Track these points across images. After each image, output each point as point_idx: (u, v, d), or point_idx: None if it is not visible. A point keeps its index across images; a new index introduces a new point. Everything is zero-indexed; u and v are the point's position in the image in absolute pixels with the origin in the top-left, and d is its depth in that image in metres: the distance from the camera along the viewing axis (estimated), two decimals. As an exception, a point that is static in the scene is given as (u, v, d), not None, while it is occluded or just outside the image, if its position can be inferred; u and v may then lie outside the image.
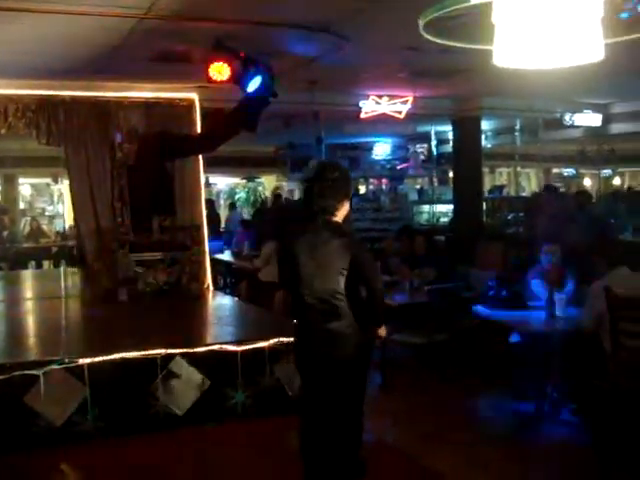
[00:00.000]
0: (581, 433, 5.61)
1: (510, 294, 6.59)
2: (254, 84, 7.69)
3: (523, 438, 5.73)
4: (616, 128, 13.82)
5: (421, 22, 1.96)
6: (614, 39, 1.97)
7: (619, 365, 4.68)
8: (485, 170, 15.46)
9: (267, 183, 23.93)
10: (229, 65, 7.48)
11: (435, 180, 17.77)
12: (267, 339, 6.20)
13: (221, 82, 7.54)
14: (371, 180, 21.31)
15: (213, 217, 14.20)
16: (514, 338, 6.65)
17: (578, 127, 13.67)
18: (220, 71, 7.44)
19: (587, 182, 21.22)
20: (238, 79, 7.65)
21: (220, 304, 8.99)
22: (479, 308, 6.63)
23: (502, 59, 1.95)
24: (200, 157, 9.71)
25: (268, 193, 23.73)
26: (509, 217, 15.50)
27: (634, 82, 10.60)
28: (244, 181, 23.44)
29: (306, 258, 4.22)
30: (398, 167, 17.89)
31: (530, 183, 23.16)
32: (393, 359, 7.26)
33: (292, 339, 4.57)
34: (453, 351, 7.36)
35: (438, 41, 2.03)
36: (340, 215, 4.26)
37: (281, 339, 6.23)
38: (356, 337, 4.16)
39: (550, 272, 6.56)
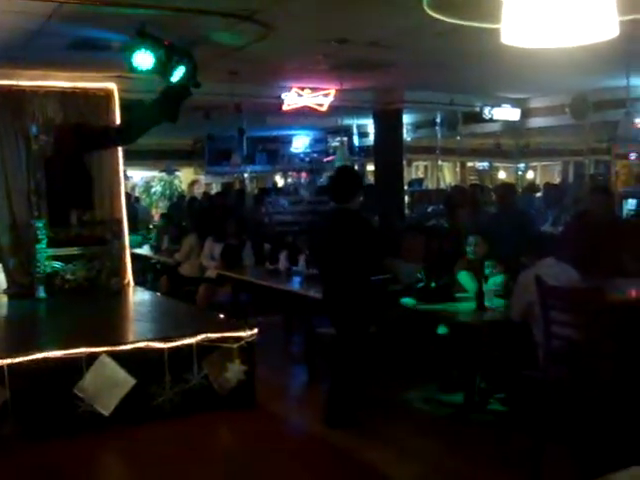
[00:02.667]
0: (511, 422, 5.67)
1: (438, 286, 6.62)
2: (178, 74, 7.50)
3: (453, 429, 5.78)
4: (534, 122, 14.08)
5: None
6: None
7: (549, 354, 4.73)
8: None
9: (184, 176, 23.55)
10: (153, 53, 7.26)
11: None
12: (194, 335, 6.07)
13: (146, 71, 7.32)
14: (290, 173, 21.25)
15: (131, 211, 13.85)
16: (441, 330, 6.68)
17: (497, 121, 13.89)
18: (144, 60, 7.22)
19: (502, 175, 21.57)
20: (162, 68, 7.45)
21: (142, 300, 8.78)
22: (406, 300, 6.63)
23: (511, 38, 1.88)
24: (120, 149, 9.45)
25: (185, 186, 23.38)
26: (429, 210, 15.62)
27: (552, 76, 10.80)
28: (160, 174, 23.02)
29: (332, 237, 5.81)
30: (325, 160, 17.85)
31: (445, 176, 23.43)
32: (320, 352, 7.19)
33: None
34: (380, 344, 7.35)
35: (443, 19, 1.94)
36: (355, 204, 5.82)
37: (209, 335, 6.12)
38: (365, 291, 5.82)
39: (474, 264, 6.62)
